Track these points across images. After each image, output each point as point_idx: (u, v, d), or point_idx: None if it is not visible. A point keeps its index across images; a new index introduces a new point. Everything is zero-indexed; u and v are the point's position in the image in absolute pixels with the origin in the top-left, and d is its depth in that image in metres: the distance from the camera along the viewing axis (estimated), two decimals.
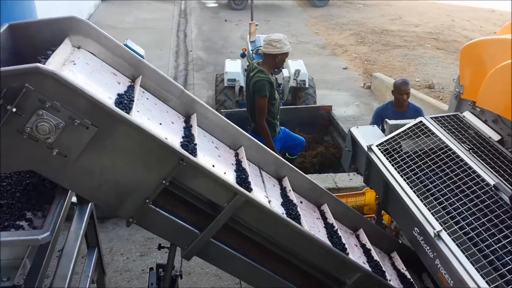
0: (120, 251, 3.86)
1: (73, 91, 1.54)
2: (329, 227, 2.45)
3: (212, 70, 8.97)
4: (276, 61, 4.04)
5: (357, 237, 2.69)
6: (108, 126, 1.63)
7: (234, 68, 6.86)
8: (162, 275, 2.65)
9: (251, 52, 7.00)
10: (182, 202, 1.95)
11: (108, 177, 1.73)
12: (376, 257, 2.45)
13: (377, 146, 2.82)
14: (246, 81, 4.23)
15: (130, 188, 1.77)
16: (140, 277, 3.60)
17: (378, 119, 4.19)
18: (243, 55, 7.44)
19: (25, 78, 1.50)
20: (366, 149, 2.84)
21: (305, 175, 2.64)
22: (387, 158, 2.67)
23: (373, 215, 3.33)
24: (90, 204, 2.50)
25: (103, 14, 12.30)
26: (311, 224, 2.35)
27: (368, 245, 2.57)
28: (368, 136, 3.04)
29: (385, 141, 2.83)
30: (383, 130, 3.18)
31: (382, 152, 2.75)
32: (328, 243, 2.20)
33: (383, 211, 3.13)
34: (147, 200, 1.80)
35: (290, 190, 2.39)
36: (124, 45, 2.16)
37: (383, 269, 2.38)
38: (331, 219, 2.52)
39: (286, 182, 2.46)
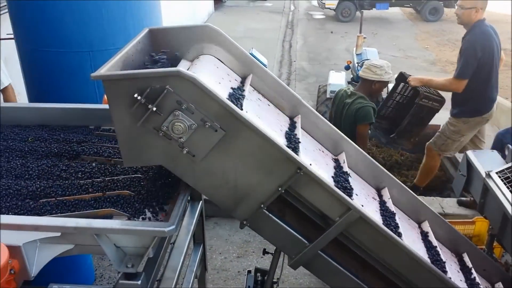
0: (219, 250, 4.00)
1: (208, 96, 1.64)
2: (430, 247, 2.36)
3: (314, 81, 8.99)
4: (372, 88, 3.81)
5: (459, 261, 2.55)
6: (235, 130, 1.71)
7: (338, 80, 6.83)
8: (260, 280, 2.71)
9: (356, 65, 6.93)
10: (293, 210, 1.98)
11: (228, 178, 1.81)
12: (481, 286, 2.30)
13: (496, 173, 2.65)
14: (336, 107, 3.96)
15: (247, 191, 1.84)
16: (236, 278, 3.70)
17: (499, 144, 3.90)
18: (347, 68, 7.39)
19: (166, 80, 1.62)
20: (483, 175, 2.67)
21: (408, 189, 2.56)
22: (508, 187, 2.50)
23: (483, 246, 3.13)
24: (201, 202, 2.63)
25: (215, 22, 12.87)
26: (412, 240, 2.27)
27: (473, 272, 2.42)
28: (487, 162, 2.86)
29: (507, 168, 2.65)
30: (503, 157, 2.97)
31: (502, 180, 2.57)
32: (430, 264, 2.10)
33: (495, 244, 2.94)
34: (262, 205, 1.85)
35: (390, 202, 2.34)
36: (250, 54, 2.25)
37: None
38: (432, 239, 2.41)
39: (386, 193, 2.41)
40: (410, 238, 2.28)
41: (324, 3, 14.59)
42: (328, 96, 6.65)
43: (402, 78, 4.68)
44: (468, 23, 4.10)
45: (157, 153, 1.76)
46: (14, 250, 1.63)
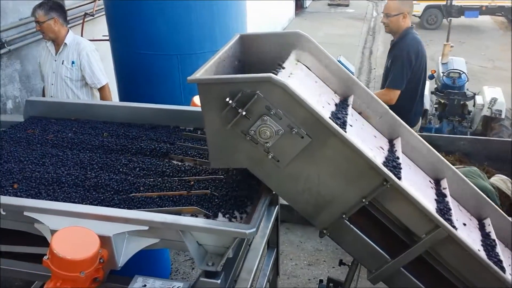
0: (290, 256, 3.99)
1: (297, 102, 1.64)
2: None
3: None
4: None
5: None
6: (322, 138, 1.69)
7: None
8: None
9: (441, 74, 6.62)
10: (375, 223, 1.92)
11: (311, 186, 1.80)
12: None
13: None
14: None
15: (329, 200, 1.81)
16: (306, 285, 3.66)
17: None
18: (431, 77, 7.08)
19: (257, 86, 1.65)
20: None
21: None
22: None
23: None
24: (277, 207, 2.64)
25: (295, 28, 12.91)
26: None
27: None
28: None
29: None
30: None
31: None
32: None
33: None
34: (343, 215, 1.82)
35: (493, 233, 2.16)
36: (338, 61, 2.23)
37: None
38: None
39: (488, 223, 2.24)
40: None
41: None
42: None
43: None
44: (398, 31, 3.80)
45: (242, 156, 1.79)
46: (104, 240, 1.74)
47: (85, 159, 2.25)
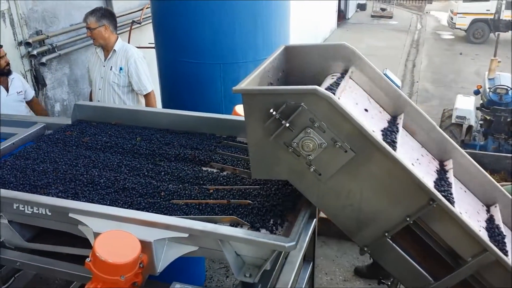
0: (325, 270, 3.93)
1: (342, 115, 1.61)
2: None
3: (437, 104, 8.52)
4: None
5: None
6: (366, 153, 1.66)
7: (466, 105, 6.40)
8: None
9: (487, 90, 6.41)
10: (418, 242, 1.86)
11: (353, 201, 1.76)
12: None
13: None
14: None
15: (372, 217, 1.77)
16: None
17: None
18: (477, 92, 6.87)
19: (302, 98, 1.63)
20: None
21: None
22: None
23: None
24: (315, 220, 2.60)
25: (337, 39, 12.87)
26: None
27: None
28: None
29: None
30: None
31: None
32: None
33: None
34: (386, 234, 1.77)
35: None
36: (384, 74, 2.19)
37: None
38: None
39: None
40: None
41: (455, 23, 13.78)
42: (453, 121, 6.26)
43: None
44: None
45: (284, 168, 1.78)
46: (145, 245, 1.76)
47: (114, 162, 2.31)
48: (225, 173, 2.24)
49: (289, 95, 1.65)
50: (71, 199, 1.99)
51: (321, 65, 2.15)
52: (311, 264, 2.83)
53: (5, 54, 3.46)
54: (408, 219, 1.71)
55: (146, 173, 2.21)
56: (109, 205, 1.95)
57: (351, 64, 2.11)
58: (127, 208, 1.94)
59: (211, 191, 2.05)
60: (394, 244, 1.80)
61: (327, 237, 4.25)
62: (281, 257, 2.08)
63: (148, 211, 1.90)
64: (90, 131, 2.67)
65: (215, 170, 2.26)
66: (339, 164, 1.70)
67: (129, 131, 2.67)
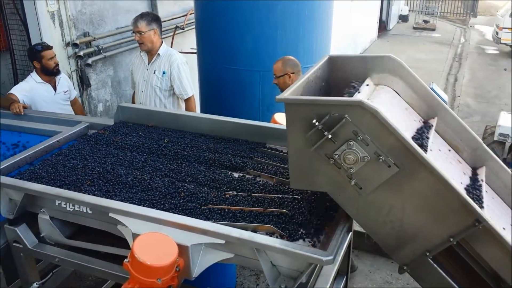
0: (358, 284, 3.84)
1: (386, 129, 1.58)
2: None
3: (478, 120, 8.24)
4: None
5: None
6: (411, 169, 1.61)
7: (509, 122, 6.17)
8: None
9: None
10: (460, 264, 1.79)
11: (394, 218, 1.71)
12: None
13: None
14: None
15: (414, 235, 1.71)
16: None
17: None
18: None
19: (346, 109, 1.61)
20: None
21: None
22: None
23: None
24: (350, 234, 2.55)
25: (376, 50, 12.69)
26: None
27: None
28: None
29: None
30: None
31: None
32: None
33: None
34: (428, 253, 1.71)
35: None
36: (430, 88, 2.13)
37: None
38: None
39: None
40: None
41: (500, 38, 13.33)
42: (496, 138, 6.05)
43: None
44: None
45: (324, 179, 1.75)
46: (182, 249, 1.77)
47: (139, 162, 2.36)
48: (260, 180, 2.23)
49: (333, 106, 1.63)
50: (104, 198, 2.03)
51: (365, 76, 2.11)
52: (344, 279, 2.77)
53: (55, 55, 3.58)
54: (451, 239, 1.65)
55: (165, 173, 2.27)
56: (138, 204, 1.98)
57: (397, 76, 2.06)
58: (162, 209, 1.96)
59: (250, 197, 2.05)
60: (435, 265, 1.74)
61: (361, 251, 4.17)
62: (316, 270, 2.04)
63: (186, 215, 1.91)
64: (122, 131, 2.74)
65: (251, 177, 2.25)
66: (382, 179, 1.66)
67: (159, 132, 2.73)
